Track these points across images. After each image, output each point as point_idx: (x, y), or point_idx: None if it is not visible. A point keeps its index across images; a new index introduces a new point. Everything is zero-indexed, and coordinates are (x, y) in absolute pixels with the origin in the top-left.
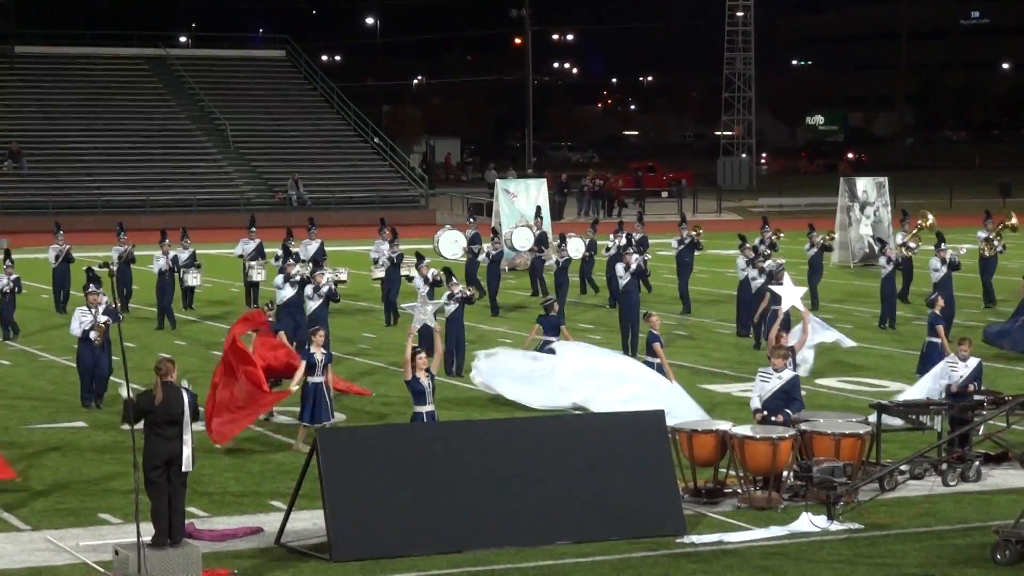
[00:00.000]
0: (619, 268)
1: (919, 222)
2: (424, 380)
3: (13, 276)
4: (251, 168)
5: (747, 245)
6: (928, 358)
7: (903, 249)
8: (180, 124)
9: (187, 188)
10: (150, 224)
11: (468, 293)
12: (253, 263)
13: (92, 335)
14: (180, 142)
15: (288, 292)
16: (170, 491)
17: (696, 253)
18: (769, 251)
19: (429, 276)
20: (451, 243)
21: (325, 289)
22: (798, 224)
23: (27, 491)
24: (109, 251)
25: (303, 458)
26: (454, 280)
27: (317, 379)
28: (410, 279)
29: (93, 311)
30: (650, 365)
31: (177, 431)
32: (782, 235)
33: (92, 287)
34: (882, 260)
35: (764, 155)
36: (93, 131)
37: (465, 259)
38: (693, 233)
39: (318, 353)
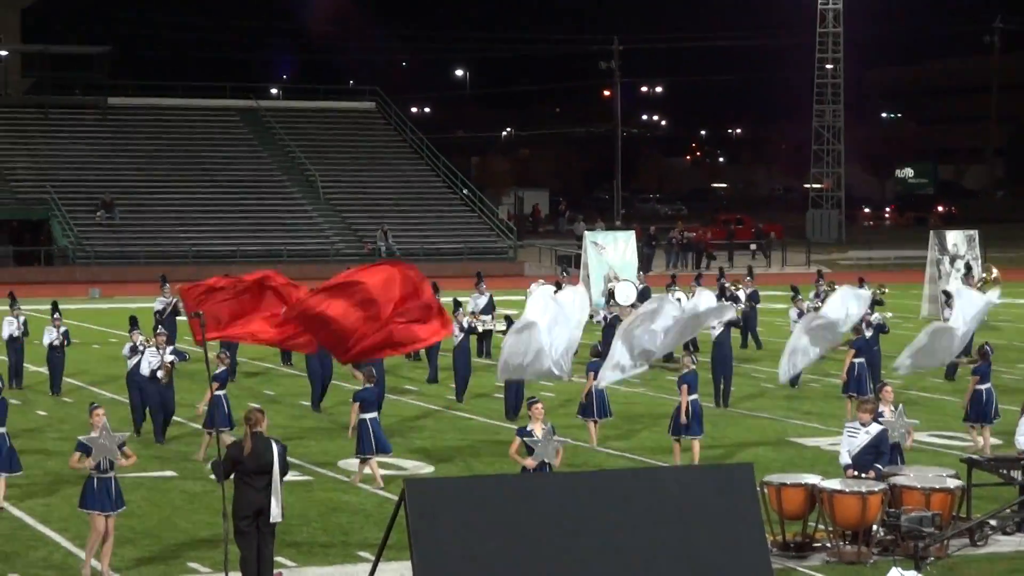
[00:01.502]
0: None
1: (983, 275)
2: (538, 432)
3: (63, 329)
4: (341, 219)
5: (799, 297)
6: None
7: None
8: (271, 175)
9: (277, 238)
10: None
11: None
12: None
13: (160, 374)
14: (270, 193)
15: None
16: (259, 540)
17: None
18: (821, 304)
19: (465, 324)
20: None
21: None
22: (878, 278)
23: (117, 540)
24: None
25: (391, 508)
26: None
27: (371, 415)
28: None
29: (161, 351)
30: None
31: (266, 481)
32: (836, 288)
33: (160, 328)
34: (946, 312)
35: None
36: (184, 181)
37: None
38: (732, 287)
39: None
